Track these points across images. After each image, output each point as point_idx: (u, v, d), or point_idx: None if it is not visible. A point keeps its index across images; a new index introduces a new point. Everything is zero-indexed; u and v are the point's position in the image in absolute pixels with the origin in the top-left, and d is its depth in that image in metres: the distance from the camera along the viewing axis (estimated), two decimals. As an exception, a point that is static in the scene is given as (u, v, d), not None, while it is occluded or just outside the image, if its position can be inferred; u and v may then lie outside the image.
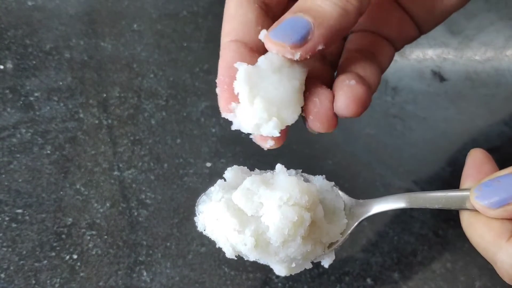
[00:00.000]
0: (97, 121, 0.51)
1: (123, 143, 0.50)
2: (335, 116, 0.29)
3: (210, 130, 0.52)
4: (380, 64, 0.33)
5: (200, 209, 0.31)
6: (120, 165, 0.48)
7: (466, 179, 0.31)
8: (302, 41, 0.27)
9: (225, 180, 0.32)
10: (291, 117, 0.28)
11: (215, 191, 0.31)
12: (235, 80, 0.28)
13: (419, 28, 0.35)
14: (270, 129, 0.27)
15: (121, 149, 0.50)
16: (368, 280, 0.43)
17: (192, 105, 0.54)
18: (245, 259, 0.30)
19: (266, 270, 0.42)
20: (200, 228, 0.31)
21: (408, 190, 0.49)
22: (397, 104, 0.56)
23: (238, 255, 0.30)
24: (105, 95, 0.54)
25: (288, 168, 0.32)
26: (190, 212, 0.32)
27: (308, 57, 0.27)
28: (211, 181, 0.47)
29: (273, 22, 0.30)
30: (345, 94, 0.28)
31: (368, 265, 0.44)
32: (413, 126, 0.55)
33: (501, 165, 0.31)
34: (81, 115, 0.52)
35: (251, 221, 0.29)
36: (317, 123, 0.29)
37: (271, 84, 0.28)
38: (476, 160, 0.31)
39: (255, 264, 0.42)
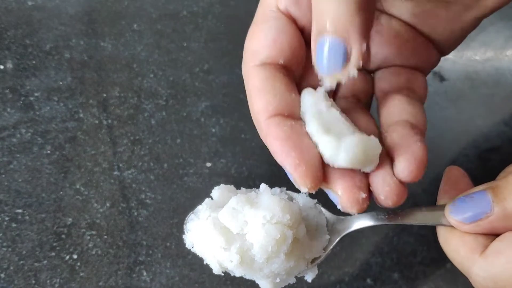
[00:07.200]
0: (97, 121, 0.51)
1: (123, 143, 0.50)
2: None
3: (210, 130, 0.52)
4: (421, 100, 0.32)
5: (188, 227, 0.32)
6: (120, 165, 0.48)
7: (442, 196, 0.31)
8: (345, 60, 0.26)
9: (212, 199, 0.33)
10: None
11: (203, 209, 0.32)
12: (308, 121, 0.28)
13: (440, 52, 0.34)
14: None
15: (121, 149, 0.50)
16: (368, 280, 0.43)
17: (192, 105, 0.54)
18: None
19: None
20: (188, 245, 0.32)
21: (408, 190, 0.49)
22: (397, 104, 0.56)
23: (225, 271, 0.31)
24: (105, 95, 0.54)
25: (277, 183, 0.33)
26: (190, 212, 0.33)
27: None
28: (211, 181, 0.48)
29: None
30: (407, 157, 0.27)
31: (368, 265, 0.44)
32: (413, 126, 0.55)
33: (501, 165, 0.31)
34: (81, 115, 0.52)
35: (236, 239, 0.30)
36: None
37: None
38: (452, 178, 0.31)
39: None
